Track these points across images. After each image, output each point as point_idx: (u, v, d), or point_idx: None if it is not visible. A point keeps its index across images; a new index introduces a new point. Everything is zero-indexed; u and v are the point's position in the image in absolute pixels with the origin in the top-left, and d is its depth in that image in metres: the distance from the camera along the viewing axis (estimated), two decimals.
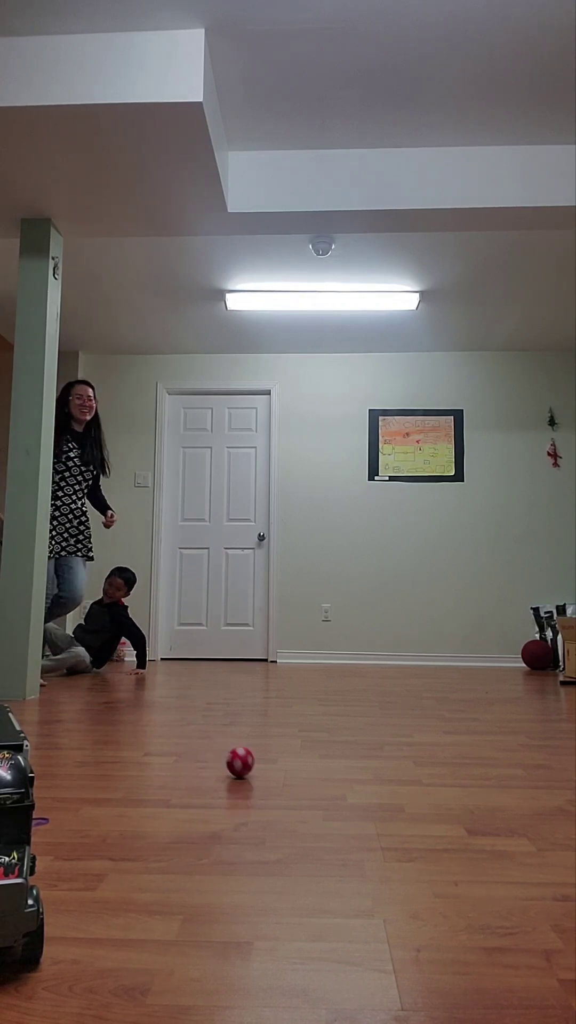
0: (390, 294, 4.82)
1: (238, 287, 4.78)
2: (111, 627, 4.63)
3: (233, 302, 4.91)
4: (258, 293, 4.82)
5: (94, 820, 1.49)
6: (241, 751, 1.87)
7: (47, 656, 4.41)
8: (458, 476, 5.81)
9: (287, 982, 0.86)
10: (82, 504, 4.43)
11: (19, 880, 0.84)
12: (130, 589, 4.77)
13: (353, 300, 4.88)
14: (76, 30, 2.86)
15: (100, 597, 4.87)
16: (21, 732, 0.98)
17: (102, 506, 4.64)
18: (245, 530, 5.88)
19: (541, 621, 5.40)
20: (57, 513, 4.31)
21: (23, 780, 0.90)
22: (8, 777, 0.89)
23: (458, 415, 5.87)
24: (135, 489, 5.91)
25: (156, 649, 5.71)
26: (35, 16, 2.79)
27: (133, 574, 4.78)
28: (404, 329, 5.46)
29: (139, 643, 4.58)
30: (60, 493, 4.32)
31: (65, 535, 4.33)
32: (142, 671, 4.52)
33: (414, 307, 4.97)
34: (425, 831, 1.44)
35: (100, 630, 4.62)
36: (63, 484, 4.34)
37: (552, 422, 5.81)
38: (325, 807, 1.60)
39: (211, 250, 4.28)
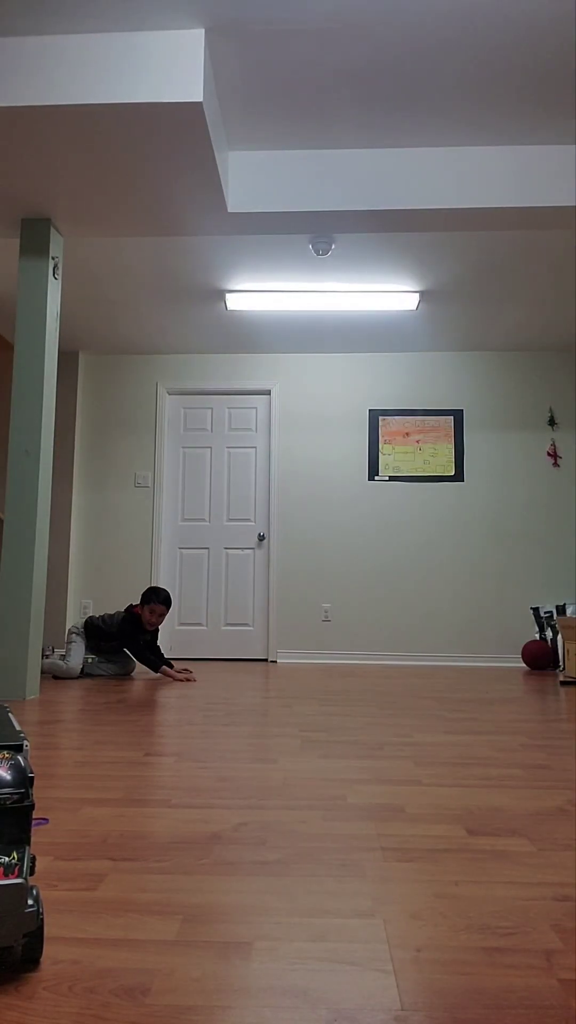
0: (390, 294, 4.82)
1: (238, 287, 4.78)
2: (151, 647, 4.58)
3: (233, 302, 4.91)
4: (258, 293, 4.82)
5: (94, 820, 1.49)
6: None
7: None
8: (458, 476, 5.81)
9: (287, 982, 0.86)
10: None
11: (19, 880, 0.84)
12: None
13: (353, 300, 4.88)
14: (76, 30, 2.86)
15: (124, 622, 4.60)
16: (21, 732, 0.98)
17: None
18: (245, 530, 5.88)
19: (541, 621, 5.39)
20: None
21: (23, 780, 0.90)
22: (8, 777, 0.89)
23: (458, 415, 5.87)
24: (135, 489, 5.91)
25: None
26: (35, 16, 2.79)
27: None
28: (404, 329, 5.46)
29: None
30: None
31: None
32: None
33: (414, 307, 4.97)
34: (425, 831, 1.44)
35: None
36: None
37: (552, 422, 5.81)
38: (325, 807, 1.60)
39: (211, 250, 4.28)
